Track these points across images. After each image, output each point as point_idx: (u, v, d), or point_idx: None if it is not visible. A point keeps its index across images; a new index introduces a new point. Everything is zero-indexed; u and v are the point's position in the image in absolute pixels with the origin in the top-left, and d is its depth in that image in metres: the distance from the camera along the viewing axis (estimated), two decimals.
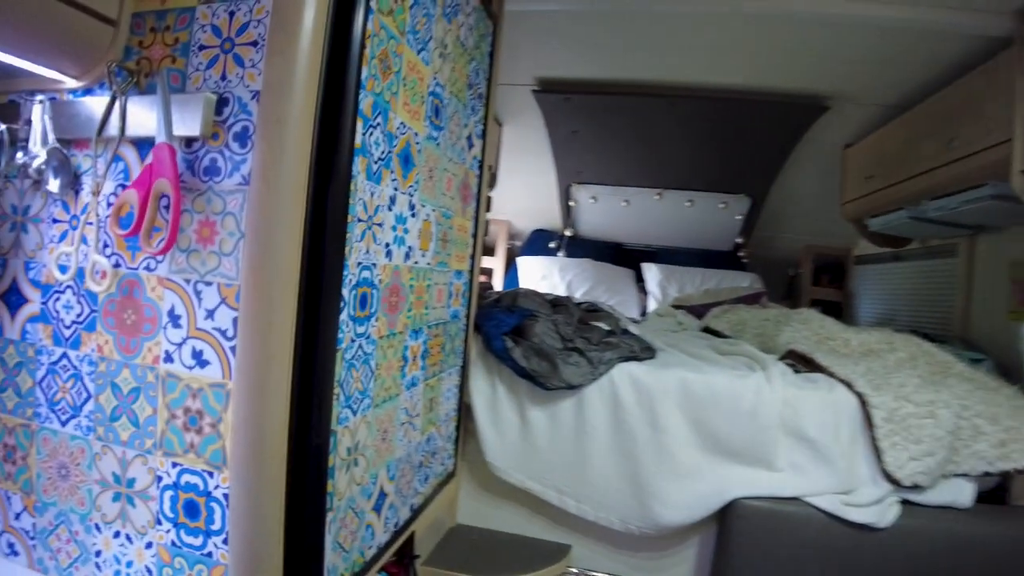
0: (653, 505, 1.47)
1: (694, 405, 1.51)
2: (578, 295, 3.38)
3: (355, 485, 1.00)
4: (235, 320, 0.83)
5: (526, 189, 3.49)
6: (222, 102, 0.84)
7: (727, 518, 1.44)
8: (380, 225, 1.00)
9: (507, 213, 3.78)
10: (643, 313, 3.33)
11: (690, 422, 1.51)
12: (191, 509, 0.86)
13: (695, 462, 1.49)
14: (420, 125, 1.13)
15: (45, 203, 0.96)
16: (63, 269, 0.93)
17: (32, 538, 0.99)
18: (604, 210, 3.57)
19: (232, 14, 0.84)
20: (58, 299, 0.95)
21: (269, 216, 0.80)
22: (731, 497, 1.45)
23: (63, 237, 0.95)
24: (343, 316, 0.90)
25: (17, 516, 1.00)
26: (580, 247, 3.72)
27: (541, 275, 3.55)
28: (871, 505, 1.39)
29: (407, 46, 1.03)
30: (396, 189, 1.05)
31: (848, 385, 1.53)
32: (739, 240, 3.54)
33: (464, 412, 1.62)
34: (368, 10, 0.87)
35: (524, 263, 3.65)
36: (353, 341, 0.95)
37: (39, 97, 0.93)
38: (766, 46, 2.11)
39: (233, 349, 0.83)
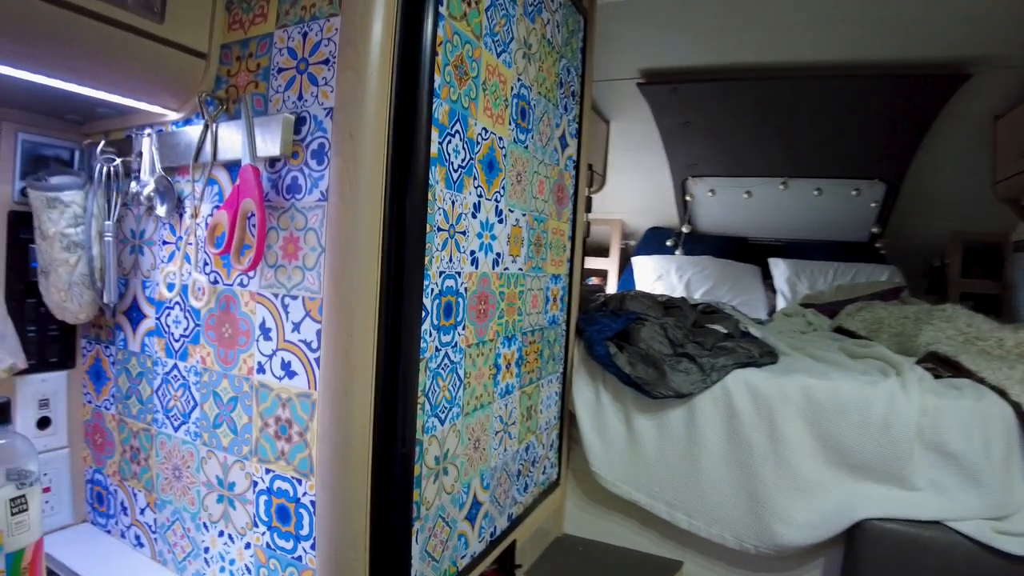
0: (771, 522, 1.37)
1: (818, 414, 1.38)
2: (698, 295, 3.24)
3: (445, 494, 1.00)
4: (319, 332, 0.85)
5: (639, 186, 3.40)
6: (300, 121, 0.87)
7: (855, 540, 1.31)
8: (463, 233, 1.00)
9: (620, 212, 3.70)
10: (771, 313, 3.13)
11: (813, 433, 1.39)
12: (283, 514, 0.90)
13: (819, 477, 1.37)
14: (504, 129, 1.11)
15: (156, 227, 1.05)
16: (171, 287, 1.01)
17: (154, 532, 1.08)
18: (724, 203, 3.40)
19: (305, 35, 0.87)
20: (169, 314, 1.03)
21: (347, 230, 0.81)
22: (860, 517, 1.31)
23: (171, 257, 1.03)
24: (426, 326, 0.91)
25: (142, 511, 1.10)
26: (699, 244, 3.56)
27: (657, 275, 3.43)
28: None
29: (485, 49, 1.02)
30: (480, 196, 1.04)
31: (1002, 393, 1.34)
32: (875, 230, 3.24)
33: (568, 420, 1.59)
34: (438, 17, 0.86)
35: (639, 263, 3.55)
36: (438, 350, 0.95)
37: (147, 130, 1.01)
38: (893, 13, 1.91)
39: (318, 361, 0.86)
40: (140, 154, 1.02)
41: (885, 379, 1.42)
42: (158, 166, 0.99)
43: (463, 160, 0.98)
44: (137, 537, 1.11)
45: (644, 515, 1.53)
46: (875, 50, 2.18)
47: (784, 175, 3.10)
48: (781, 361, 1.61)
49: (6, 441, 0.84)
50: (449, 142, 0.93)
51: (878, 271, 3.09)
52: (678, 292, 3.28)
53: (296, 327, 0.88)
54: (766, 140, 2.86)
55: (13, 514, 0.82)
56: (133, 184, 1.03)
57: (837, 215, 3.24)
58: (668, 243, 3.60)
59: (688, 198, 3.41)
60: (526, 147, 1.21)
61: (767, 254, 3.46)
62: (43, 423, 1.16)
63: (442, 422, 0.97)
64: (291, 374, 0.88)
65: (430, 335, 0.92)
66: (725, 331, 1.74)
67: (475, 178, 1.02)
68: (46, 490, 1.14)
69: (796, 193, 3.16)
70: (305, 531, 0.88)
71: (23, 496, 0.84)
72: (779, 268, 3.30)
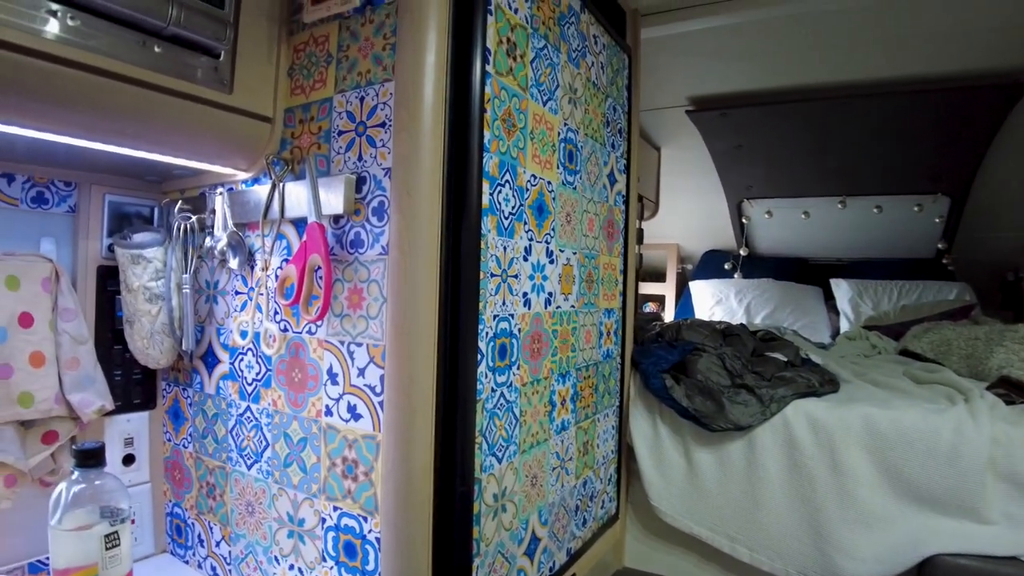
0: (835, 556, 1.34)
1: (881, 445, 1.36)
2: (758, 319, 3.19)
3: (504, 531, 1.03)
4: (382, 377, 0.90)
5: (693, 210, 3.38)
6: (360, 181, 0.93)
7: None
8: (516, 277, 1.03)
9: (675, 236, 3.68)
10: (835, 335, 3.05)
11: (877, 465, 1.36)
12: (349, 550, 0.94)
13: (885, 510, 1.34)
14: (553, 173, 1.15)
15: (229, 278, 1.13)
16: (243, 334, 1.08)
17: (228, 564, 1.14)
18: (781, 224, 3.35)
19: (362, 99, 0.93)
20: (242, 360, 1.10)
21: (406, 281, 0.86)
22: (930, 552, 1.27)
23: (243, 307, 1.10)
24: (481, 368, 0.94)
25: (217, 544, 1.16)
26: (758, 266, 3.51)
27: (716, 299, 3.39)
28: None
29: (531, 100, 1.06)
30: (531, 239, 1.08)
31: None
32: (941, 246, 3.13)
33: (626, 453, 1.59)
34: (485, 75, 0.91)
35: (697, 288, 3.51)
36: (494, 391, 0.98)
37: (220, 189, 1.10)
38: (945, 27, 1.88)
39: (381, 404, 0.90)
40: (213, 211, 1.10)
41: (952, 407, 1.38)
42: (230, 222, 1.07)
43: (513, 207, 1.02)
44: (213, 568, 1.17)
45: (705, 549, 1.52)
46: (929, 64, 2.14)
47: (842, 193, 3.04)
48: (843, 389, 1.58)
49: (101, 482, 0.91)
50: (499, 192, 0.97)
51: (946, 289, 2.98)
52: (738, 316, 3.24)
53: (361, 372, 0.93)
54: (821, 160, 2.82)
55: (107, 549, 0.90)
56: (207, 239, 1.11)
57: (900, 232, 3.15)
58: (726, 266, 3.56)
59: (745, 220, 3.37)
60: (574, 188, 1.24)
61: (829, 274, 3.38)
62: (128, 460, 1.24)
63: (499, 460, 1.00)
64: (357, 417, 0.93)
65: (486, 377, 0.96)
66: (785, 359, 1.72)
67: (525, 223, 1.06)
68: (131, 522, 1.22)
69: (855, 211, 3.09)
70: (371, 566, 0.92)
71: (116, 532, 0.91)
72: (841, 289, 3.22)
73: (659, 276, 3.79)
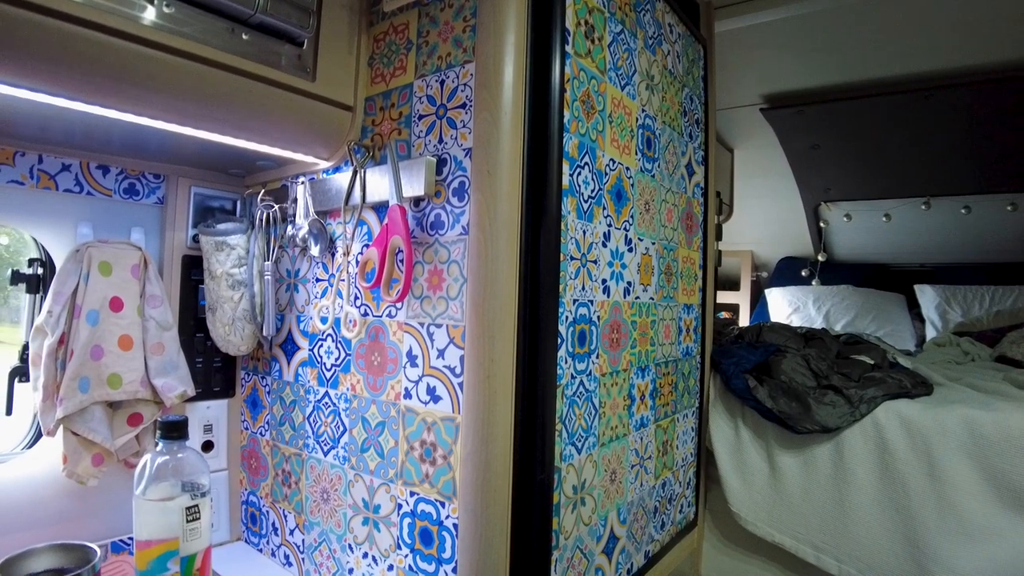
0: (935, 570, 1.24)
1: (985, 450, 1.26)
2: (838, 328, 3.06)
3: (583, 525, 1.00)
4: (462, 358, 0.89)
5: (768, 215, 3.27)
6: (441, 163, 0.92)
7: None
8: (595, 262, 1.01)
9: (749, 242, 3.57)
10: (920, 344, 2.89)
11: (981, 471, 1.26)
12: (425, 537, 0.93)
13: (990, 520, 1.24)
14: (631, 159, 1.12)
15: (310, 266, 1.15)
16: (324, 320, 1.09)
17: (302, 552, 1.15)
18: (861, 228, 3.21)
19: (442, 82, 0.93)
20: (321, 346, 1.11)
21: (487, 261, 0.85)
22: None
23: (324, 293, 1.11)
24: (561, 352, 0.92)
25: (291, 532, 1.17)
26: (837, 273, 3.37)
27: (793, 308, 3.26)
28: None
29: (610, 83, 1.04)
30: (610, 225, 1.06)
31: None
32: None
33: (705, 457, 1.54)
34: (565, 56, 0.90)
35: (772, 296, 3.40)
36: (573, 378, 0.95)
37: (301, 179, 1.12)
38: None
39: (461, 385, 0.89)
40: (295, 200, 1.12)
41: None
42: (311, 210, 1.08)
43: (592, 191, 0.99)
44: (286, 556, 1.18)
45: (788, 559, 1.44)
46: (1017, 50, 2.00)
47: (926, 194, 2.89)
48: (936, 392, 1.48)
49: (183, 455, 0.93)
50: (579, 174, 0.95)
51: None
52: (817, 324, 3.11)
53: (441, 354, 0.92)
54: (903, 158, 2.68)
55: (188, 521, 0.91)
56: (289, 228, 1.13)
57: (990, 234, 2.97)
58: (803, 273, 3.43)
59: (822, 224, 3.24)
60: (653, 176, 1.21)
61: (912, 280, 3.22)
62: (207, 446, 1.27)
63: (579, 451, 0.97)
64: (436, 399, 0.92)
65: (566, 362, 0.93)
66: (872, 362, 1.63)
67: (604, 208, 1.03)
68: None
69: (941, 213, 2.93)
70: (447, 554, 0.90)
71: (196, 506, 0.92)
72: (926, 295, 3.06)
73: (733, 284, 3.68)
